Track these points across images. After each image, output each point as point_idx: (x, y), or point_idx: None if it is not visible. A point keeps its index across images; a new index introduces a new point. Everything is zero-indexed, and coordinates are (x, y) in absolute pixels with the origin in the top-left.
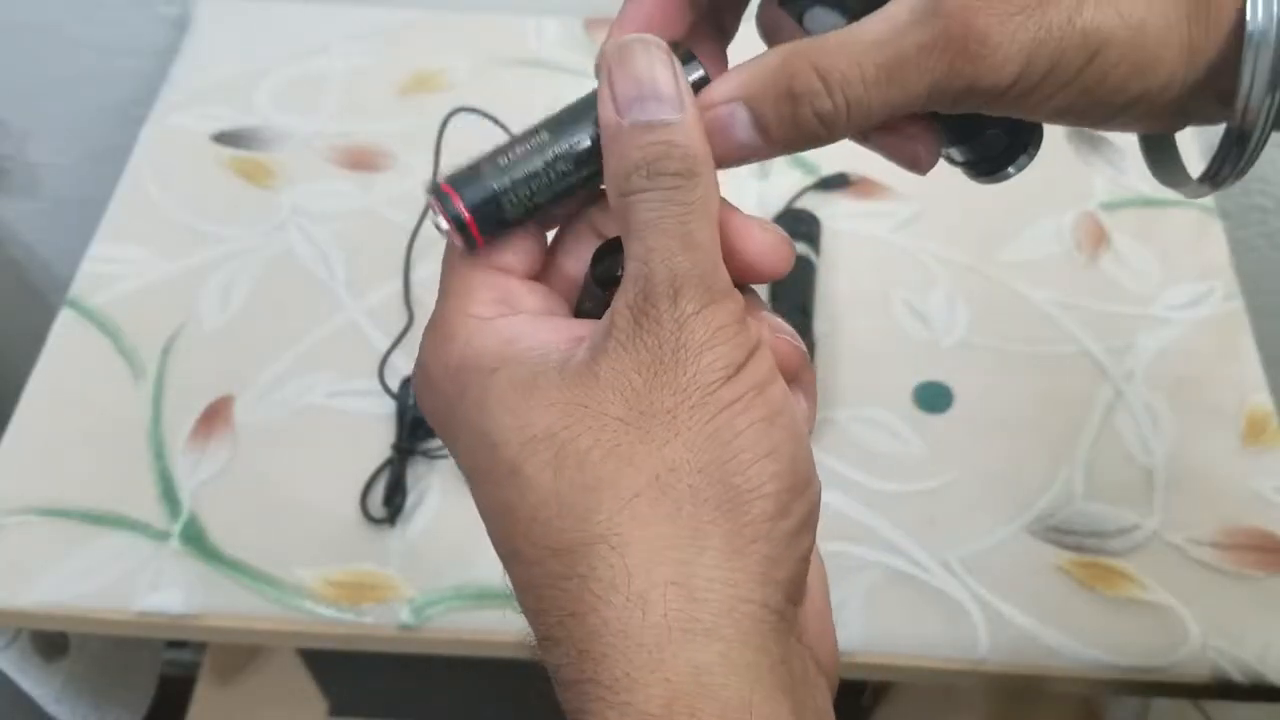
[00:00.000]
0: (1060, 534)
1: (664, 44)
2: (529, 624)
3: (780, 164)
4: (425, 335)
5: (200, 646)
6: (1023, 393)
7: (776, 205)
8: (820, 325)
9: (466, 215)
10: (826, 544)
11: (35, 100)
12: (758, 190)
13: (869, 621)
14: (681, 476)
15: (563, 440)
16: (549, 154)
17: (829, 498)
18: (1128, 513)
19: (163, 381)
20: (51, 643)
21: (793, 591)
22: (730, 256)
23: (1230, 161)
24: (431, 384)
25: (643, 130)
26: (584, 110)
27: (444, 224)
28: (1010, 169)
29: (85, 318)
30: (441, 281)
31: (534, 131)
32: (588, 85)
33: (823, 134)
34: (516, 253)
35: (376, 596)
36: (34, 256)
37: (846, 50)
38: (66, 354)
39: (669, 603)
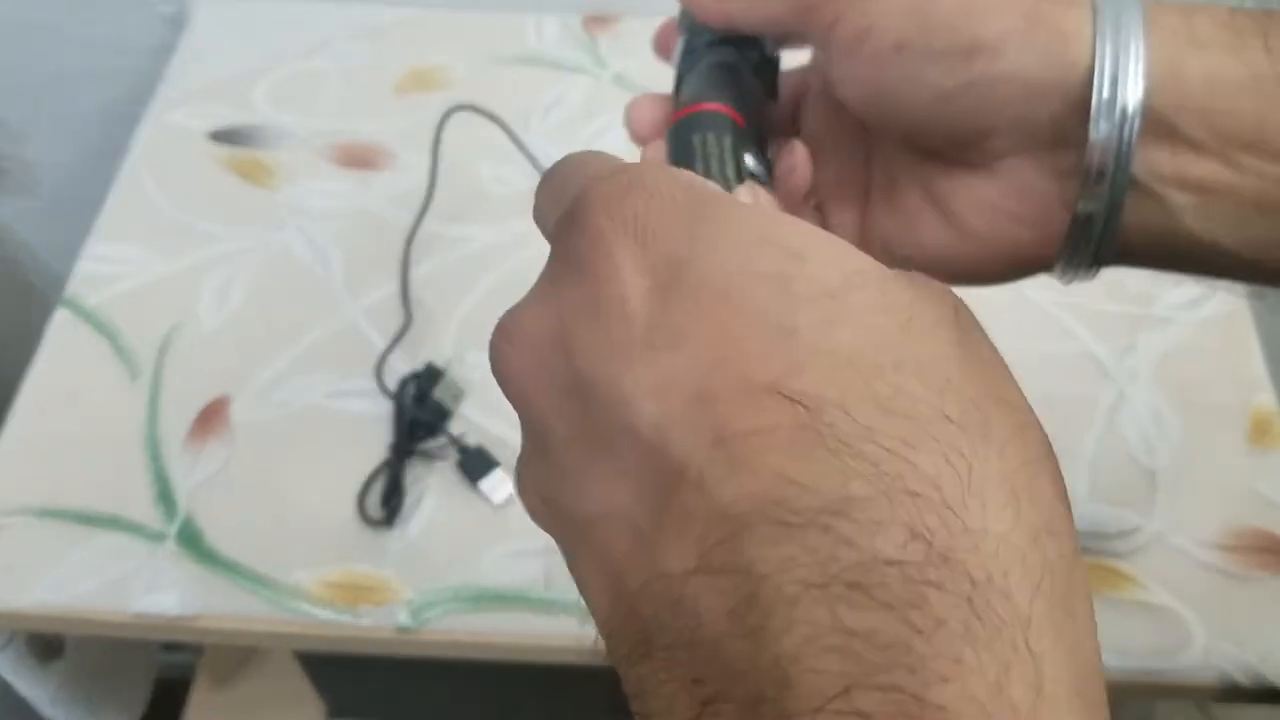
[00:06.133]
0: None
1: None
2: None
3: None
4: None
5: (196, 649)
6: (1024, 393)
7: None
8: None
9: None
10: None
11: (32, 98)
12: None
13: None
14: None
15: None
16: None
17: None
18: (1130, 514)
19: (159, 382)
20: (47, 645)
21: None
22: None
23: (1081, 249)
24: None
25: None
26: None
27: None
28: None
29: (81, 317)
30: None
31: None
32: (587, 83)
33: None
34: None
35: (374, 598)
36: (30, 255)
37: None
38: (62, 354)
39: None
